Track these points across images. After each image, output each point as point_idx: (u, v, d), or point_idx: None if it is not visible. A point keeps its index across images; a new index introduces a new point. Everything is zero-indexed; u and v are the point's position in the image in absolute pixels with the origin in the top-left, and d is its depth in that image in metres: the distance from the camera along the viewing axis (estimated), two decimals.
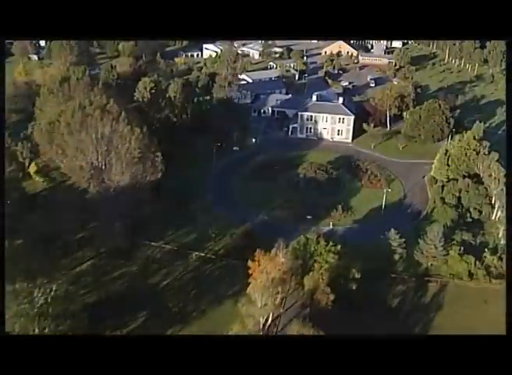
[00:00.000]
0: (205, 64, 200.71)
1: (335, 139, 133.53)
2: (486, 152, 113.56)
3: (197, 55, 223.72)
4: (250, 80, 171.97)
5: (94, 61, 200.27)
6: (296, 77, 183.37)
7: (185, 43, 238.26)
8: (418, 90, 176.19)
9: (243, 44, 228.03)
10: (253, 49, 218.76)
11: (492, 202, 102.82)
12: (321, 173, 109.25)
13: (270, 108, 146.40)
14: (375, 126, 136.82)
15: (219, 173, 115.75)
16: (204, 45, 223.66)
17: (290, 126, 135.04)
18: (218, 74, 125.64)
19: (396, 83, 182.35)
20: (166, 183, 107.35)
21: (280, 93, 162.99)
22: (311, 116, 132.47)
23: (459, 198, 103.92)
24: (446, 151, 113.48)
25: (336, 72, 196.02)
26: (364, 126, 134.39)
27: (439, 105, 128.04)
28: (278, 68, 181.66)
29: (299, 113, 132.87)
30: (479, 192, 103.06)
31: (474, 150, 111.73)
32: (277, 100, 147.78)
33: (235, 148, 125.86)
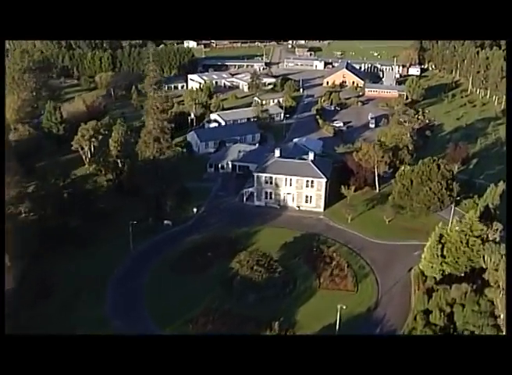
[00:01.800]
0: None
1: (302, 208, 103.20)
2: (497, 239, 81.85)
3: (182, 86, 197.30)
4: (223, 122, 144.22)
5: (59, 96, 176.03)
6: (281, 116, 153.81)
7: (174, 72, 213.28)
8: (428, 132, 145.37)
9: (233, 75, 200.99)
10: (242, 80, 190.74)
11: (500, 324, 70.57)
12: (259, 269, 79.04)
13: (230, 163, 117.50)
14: (357, 190, 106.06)
15: (132, 263, 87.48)
16: (190, 76, 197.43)
17: (245, 191, 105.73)
18: (145, 126, 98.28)
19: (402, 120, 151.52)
20: (52, 281, 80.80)
21: (253, 139, 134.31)
22: (271, 178, 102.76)
23: (450, 315, 72.13)
24: (441, 236, 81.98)
25: (333, 108, 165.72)
26: (343, 189, 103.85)
27: (438, 166, 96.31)
28: (259, 105, 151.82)
29: (255, 174, 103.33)
30: (480, 308, 70.99)
31: (479, 237, 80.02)
32: (239, 151, 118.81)
33: (166, 223, 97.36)
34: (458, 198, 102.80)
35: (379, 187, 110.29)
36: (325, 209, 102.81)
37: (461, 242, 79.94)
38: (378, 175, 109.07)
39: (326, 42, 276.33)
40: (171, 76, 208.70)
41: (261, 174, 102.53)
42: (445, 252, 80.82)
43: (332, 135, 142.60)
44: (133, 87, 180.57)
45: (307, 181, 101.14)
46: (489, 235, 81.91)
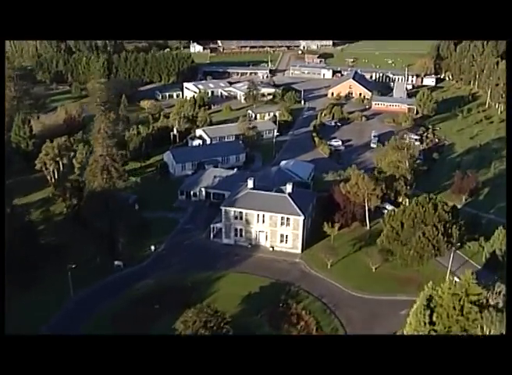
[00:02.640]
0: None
1: (277, 248, 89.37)
2: (500, 304, 66.96)
3: (178, 95, 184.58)
4: (208, 139, 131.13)
5: (43, 105, 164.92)
6: (274, 133, 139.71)
7: (172, 79, 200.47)
8: (435, 155, 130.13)
9: (232, 84, 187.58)
10: (240, 90, 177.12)
11: None
12: (205, 334, 65.39)
13: (203, 190, 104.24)
14: (343, 227, 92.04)
15: (68, 313, 74.99)
16: (185, 85, 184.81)
17: (212, 226, 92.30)
18: (94, 152, 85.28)
19: (409, 139, 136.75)
20: None
21: (237, 160, 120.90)
22: (241, 213, 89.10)
23: None
24: (430, 298, 67.38)
25: (334, 124, 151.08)
26: (326, 227, 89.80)
27: (435, 207, 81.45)
28: (246, 120, 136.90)
29: (222, 208, 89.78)
30: None
31: (476, 302, 65.19)
32: (215, 177, 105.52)
33: (117, 264, 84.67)
34: (463, 238, 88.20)
35: (370, 223, 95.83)
36: (303, 250, 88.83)
37: (454, 308, 65.03)
38: (369, 210, 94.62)
39: (339, 48, 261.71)
40: (167, 84, 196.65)
41: (229, 208, 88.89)
42: (434, 319, 65.97)
43: (328, 156, 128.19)
44: (123, 96, 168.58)
45: (282, 218, 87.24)
46: (490, 300, 67.13)
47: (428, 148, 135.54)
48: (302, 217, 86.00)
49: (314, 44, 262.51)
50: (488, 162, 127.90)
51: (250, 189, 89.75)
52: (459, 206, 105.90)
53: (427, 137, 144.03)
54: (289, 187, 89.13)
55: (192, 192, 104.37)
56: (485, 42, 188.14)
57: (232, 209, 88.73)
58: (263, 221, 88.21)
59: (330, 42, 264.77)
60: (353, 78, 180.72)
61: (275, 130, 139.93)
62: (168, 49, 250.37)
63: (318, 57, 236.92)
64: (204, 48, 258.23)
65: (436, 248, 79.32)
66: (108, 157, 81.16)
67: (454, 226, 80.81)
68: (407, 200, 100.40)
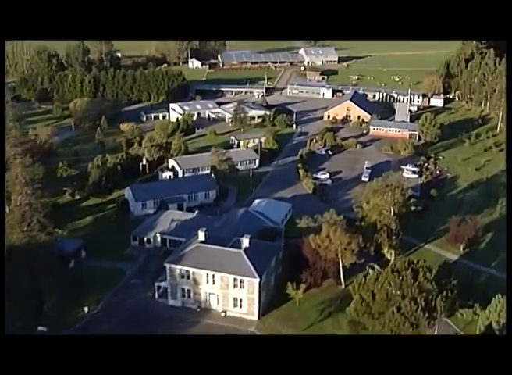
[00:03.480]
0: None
1: (230, 313, 75.45)
2: None
3: (164, 116, 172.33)
4: (180, 171, 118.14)
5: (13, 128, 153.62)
6: (256, 163, 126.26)
7: (161, 98, 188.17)
8: (433, 191, 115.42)
9: (220, 105, 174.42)
10: (228, 112, 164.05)
11: None
12: None
13: (159, 236, 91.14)
14: (310, 287, 77.98)
15: None
16: (171, 105, 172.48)
17: (157, 285, 78.89)
18: (11, 202, 72.45)
19: (406, 171, 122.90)
20: None
21: (206, 197, 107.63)
22: (188, 272, 75.58)
23: None
24: None
25: (324, 152, 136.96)
26: (289, 288, 75.85)
27: (414, 274, 66.71)
28: (218, 150, 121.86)
29: (167, 265, 76.32)
30: None
31: None
32: (172, 220, 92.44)
33: (40, 329, 71.79)
34: (454, 304, 73.52)
35: (346, 281, 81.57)
36: (260, 317, 74.89)
37: None
38: (344, 267, 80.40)
39: (345, 64, 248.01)
40: (155, 104, 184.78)
41: (174, 266, 75.47)
42: None
43: (312, 192, 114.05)
44: (103, 117, 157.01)
45: (235, 280, 73.45)
46: None
47: (427, 183, 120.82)
48: (257, 279, 72.09)
49: (318, 60, 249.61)
50: (495, 199, 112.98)
51: (201, 242, 76.19)
52: (455, 258, 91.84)
53: (427, 168, 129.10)
54: (245, 242, 75.28)
55: (146, 238, 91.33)
56: (498, 60, 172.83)
57: (178, 267, 75.26)
58: (213, 282, 74.54)
59: (335, 57, 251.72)
60: (352, 99, 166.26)
61: (257, 161, 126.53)
62: (165, 64, 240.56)
63: (320, 74, 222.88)
64: (202, 64, 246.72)
65: (414, 325, 64.73)
66: (27, 207, 68.65)
67: (440, 296, 66.07)
68: (393, 252, 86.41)
